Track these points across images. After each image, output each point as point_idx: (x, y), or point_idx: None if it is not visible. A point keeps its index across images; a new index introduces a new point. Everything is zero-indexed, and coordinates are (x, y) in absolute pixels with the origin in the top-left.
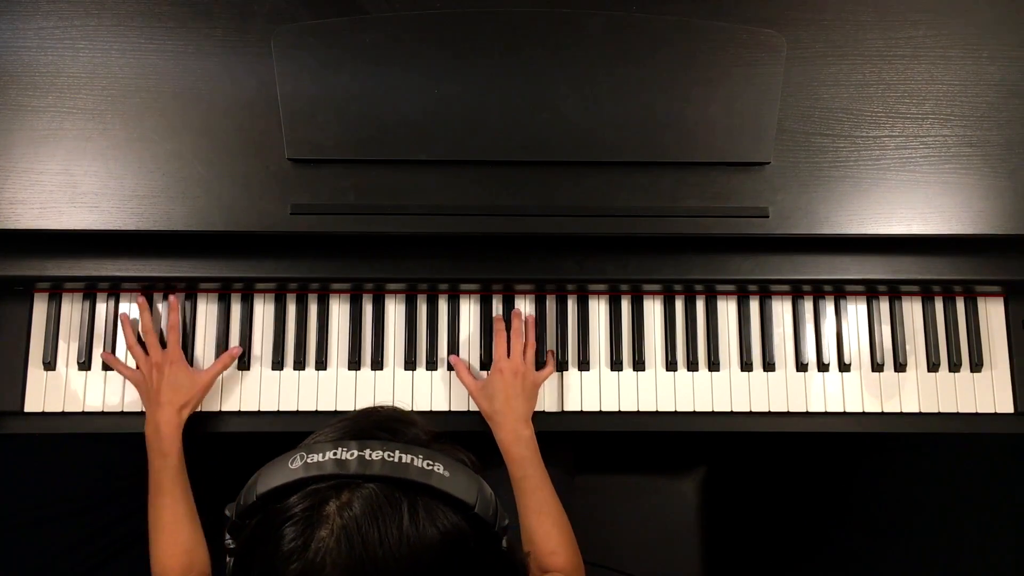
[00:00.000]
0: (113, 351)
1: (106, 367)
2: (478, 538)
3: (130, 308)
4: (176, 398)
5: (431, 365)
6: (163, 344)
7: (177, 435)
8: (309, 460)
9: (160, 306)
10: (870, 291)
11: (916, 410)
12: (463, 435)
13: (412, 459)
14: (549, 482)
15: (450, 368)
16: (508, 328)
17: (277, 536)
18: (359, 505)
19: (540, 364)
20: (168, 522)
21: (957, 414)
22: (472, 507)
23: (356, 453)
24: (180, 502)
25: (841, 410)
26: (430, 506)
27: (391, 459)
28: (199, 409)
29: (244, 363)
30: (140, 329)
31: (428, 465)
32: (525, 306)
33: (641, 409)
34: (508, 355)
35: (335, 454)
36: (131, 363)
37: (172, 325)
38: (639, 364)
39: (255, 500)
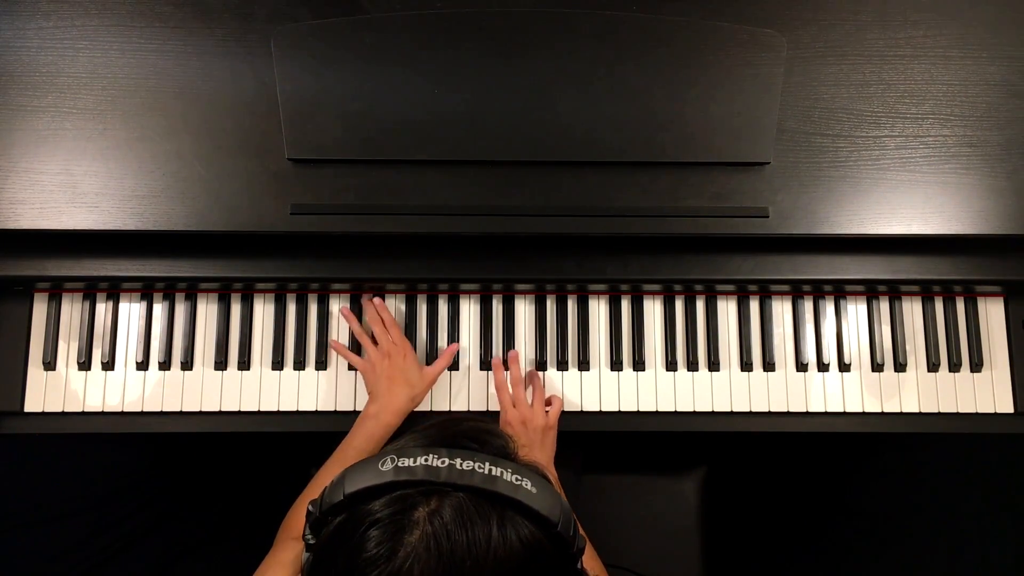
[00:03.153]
0: (113, 350)
1: (107, 367)
2: (557, 555)
3: (347, 300)
4: (409, 390)
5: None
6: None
7: (402, 419)
8: (400, 464)
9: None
10: (870, 291)
11: (916, 410)
12: None
13: (502, 472)
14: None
15: (451, 368)
16: (506, 363)
17: (362, 538)
18: (449, 513)
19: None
20: None
21: (957, 414)
22: (556, 525)
23: (447, 461)
24: None
25: (841, 410)
26: (516, 520)
27: (482, 470)
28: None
29: (244, 363)
30: (368, 320)
31: (517, 480)
32: (525, 306)
33: (641, 409)
34: (513, 405)
35: (426, 460)
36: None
37: (391, 322)
38: (639, 364)
39: (342, 499)
